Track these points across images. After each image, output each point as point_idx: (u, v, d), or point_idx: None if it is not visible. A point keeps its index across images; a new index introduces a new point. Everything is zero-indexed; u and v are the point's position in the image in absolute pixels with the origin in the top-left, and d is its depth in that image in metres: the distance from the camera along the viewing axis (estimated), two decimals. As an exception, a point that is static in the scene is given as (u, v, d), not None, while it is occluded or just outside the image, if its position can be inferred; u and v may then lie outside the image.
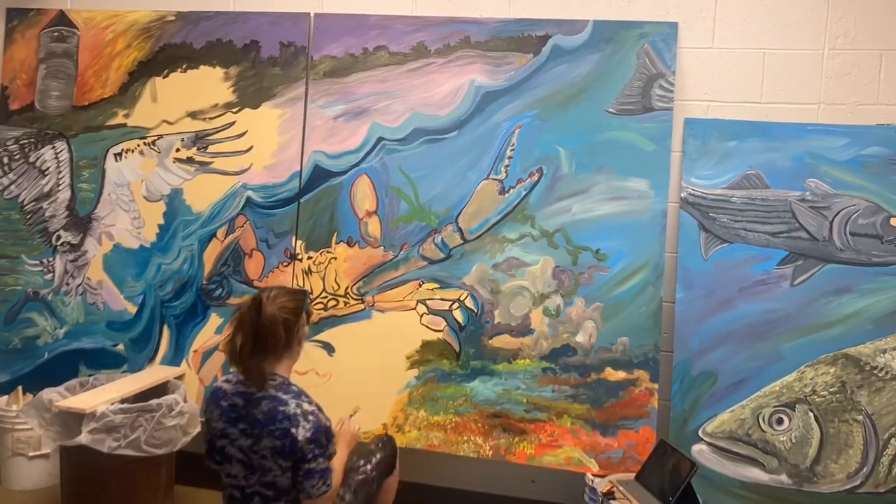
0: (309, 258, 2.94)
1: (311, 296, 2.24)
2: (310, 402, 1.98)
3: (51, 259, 3.15)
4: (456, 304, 2.81)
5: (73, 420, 2.51)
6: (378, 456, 2.36)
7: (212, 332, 3.00)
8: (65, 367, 3.08)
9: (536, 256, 2.76)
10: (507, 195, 2.80)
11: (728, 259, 2.63)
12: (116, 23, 3.18)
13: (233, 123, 3.04)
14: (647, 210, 2.69)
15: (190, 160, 3.07)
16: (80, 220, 3.15)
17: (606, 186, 2.73)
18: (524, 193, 2.79)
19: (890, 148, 2.59)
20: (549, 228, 2.76)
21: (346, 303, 2.89)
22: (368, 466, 2.31)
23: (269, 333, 1.93)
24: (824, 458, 2.51)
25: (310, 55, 2.99)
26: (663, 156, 2.70)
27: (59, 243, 3.16)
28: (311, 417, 1.93)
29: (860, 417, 2.50)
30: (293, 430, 1.90)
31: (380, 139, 2.90)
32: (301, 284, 2.93)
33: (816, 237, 2.60)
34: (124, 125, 3.14)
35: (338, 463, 2.09)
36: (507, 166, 2.81)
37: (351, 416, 2.48)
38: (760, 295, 2.60)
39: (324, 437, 1.95)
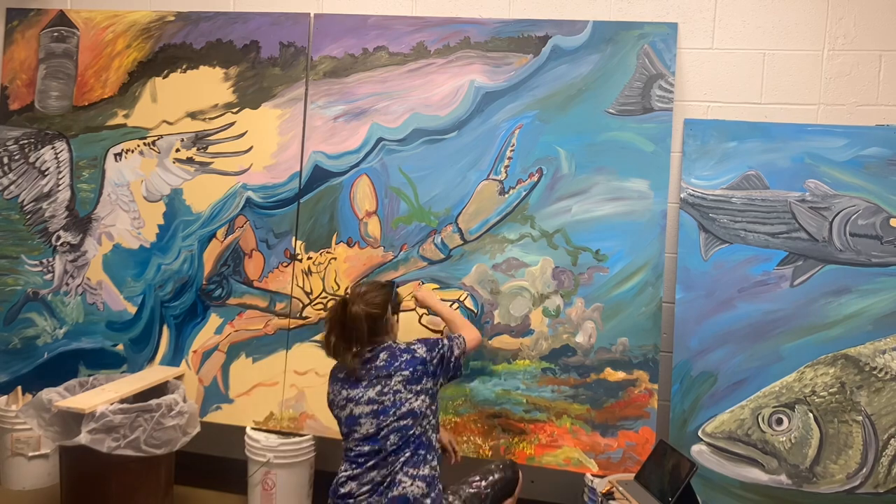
0: (309, 258, 2.94)
1: (397, 286, 2.45)
2: (419, 340, 2.30)
3: (50, 259, 3.15)
4: (456, 305, 2.80)
5: (73, 420, 2.51)
6: (496, 476, 2.38)
7: (211, 332, 3.00)
8: (64, 367, 3.08)
9: (536, 257, 2.76)
10: (506, 196, 2.80)
11: (728, 260, 2.64)
12: (116, 23, 3.18)
13: (233, 124, 3.04)
14: (646, 210, 2.69)
15: (190, 160, 3.07)
16: (80, 221, 3.15)
17: (606, 187, 2.73)
18: (524, 194, 2.79)
19: (889, 148, 2.59)
20: (548, 229, 2.76)
21: (345, 303, 2.89)
22: (483, 483, 2.34)
23: (354, 328, 2.22)
24: (824, 459, 2.51)
25: (310, 55, 2.99)
26: (663, 156, 2.70)
27: (58, 243, 3.16)
28: (419, 342, 2.28)
29: (860, 418, 2.50)
30: (417, 355, 2.23)
31: (380, 139, 2.90)
32: (301, 285, 2.93)
33: (816, 238, 2.60)
34: (124, 125, 3.14)
35: (446, 312, 2.57)
36: (506, 167, 2.81)
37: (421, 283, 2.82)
38: (760, 295, 2.60)
39: (434, 340, 2.30)
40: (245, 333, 2.97)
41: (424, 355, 2.24)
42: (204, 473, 3.11)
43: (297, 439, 2.82)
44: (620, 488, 2.42)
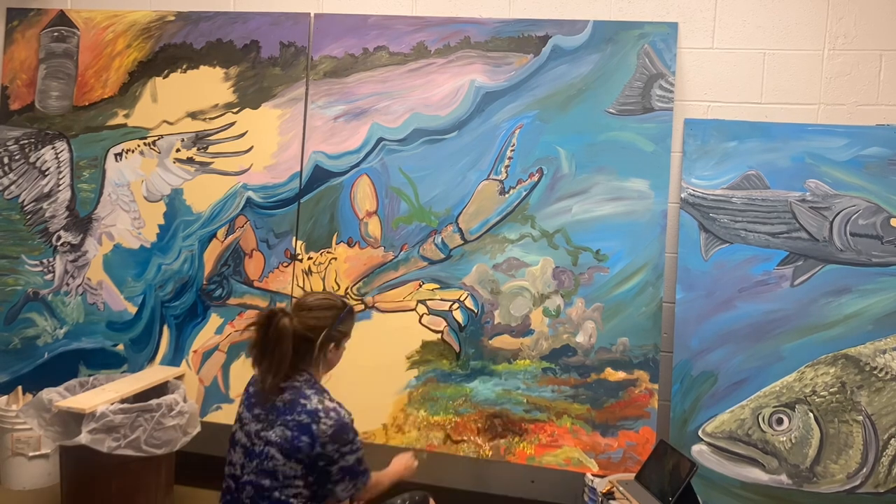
0: (309, 258, 2.94)
1: (353, 313, 2.06)
2: (331, 400, 1.89)
3: (51, 259, 3.15)
4: (456, 305, 2.81)
5: (73, 420, 2.51)
6: None
7: (212, 332, 3.00)
8: (65, 367, 3.08)
9: (536, 257, 2.76)
10: (507, 195, 2.80)
11: (728, 259, 2.63)
12: (116, 23, 3.18)
13: (233, 124, 3.04)
14: (647, 210, 2.69)
15: (190, 160, 3.07)
16: (81, 221, 3.15)
17: (606, 187, 2.73)
18: (524, 194, 2.79)
19: (890, 148, 2.59)
20: (549, 229, 2.76)
21: (346, 303, 2.89)
22: None
23: (277, 346, 1.83)
24: (824, 459, 2.51)
25: (310, 55, 2.99)
26: (663, 156, 2.70)
27: (59, 243, 3.16)
28: (332, 413, 1.83)
29: (860, 418, 2.50)
30: (313, 427, 1.80)
31: (380, 139, 2.90)
32: (301, 285, 2.93)
33: (816, 238, 2.60)
34: (124, 125, 3.14)
35: (382, 477, 2.07)
36: (507, 167, 2.81)
37: (416, 453, 2.34)
38: (760, 295, 2.60)
39: (349, 432, 1.85)
40: (245, 333, 2.97)
41: (321, 435, 1.80)
42: (204, 473, 3.10)
43: (298, 439, 2.82)
44: (621, 488, 2.42)
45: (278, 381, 1.85)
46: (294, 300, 1.95)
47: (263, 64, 3.03)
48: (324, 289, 2.91)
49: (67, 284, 3.14)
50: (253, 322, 1.91)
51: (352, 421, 1.87)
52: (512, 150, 2.80)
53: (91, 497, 2.59)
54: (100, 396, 2.61)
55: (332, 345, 1.95)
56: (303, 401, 1.84)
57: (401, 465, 2.21)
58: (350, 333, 2.04)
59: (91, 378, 2.90)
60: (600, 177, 2.74)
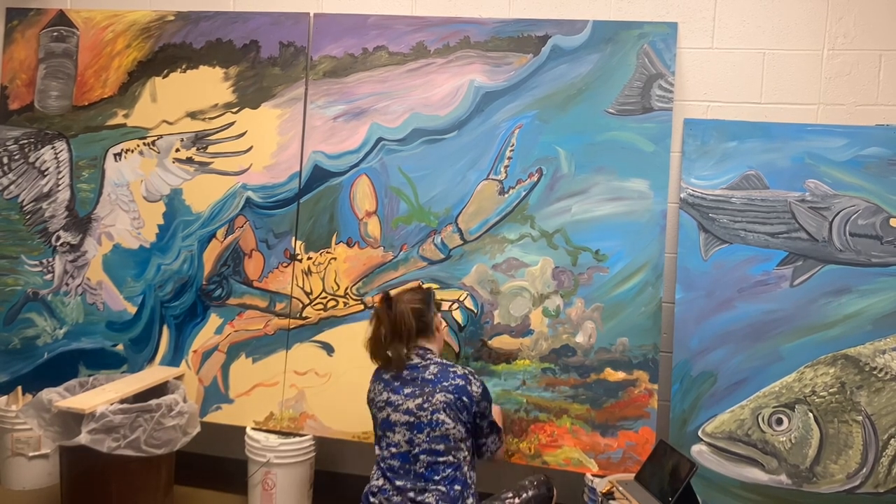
0: (309, 259, 2.94)
1: (434, 294, 2.44)
2: (469, 369, 2.28)
3: (50, 259, 3.15)
4: (455, 305, 2.81)
5: (73, 420, 2.51)
6: (529, 493, 2.34)
7: (211, 332, 3.00)
8: (64, 367, 3.08)
9: (536, 257, 2.76)
10: (506, 196, 2.80)
11: (728, 260, 2.63)
12: (116, 23, 3.18)
13: (232, 124, 3.04)
14: (646, 210, 2.69)
15: (189, 160, 3.07)
16: (80, 221, 3.15)
17: (606, 187, 2.73)
18: (524, 194, 2.79)
19: (889, 148, 2.59)
20: (548, 229, 2.76)
21: (345, 303, 2.89)
22: (517, 500, 2.31)
23: (402, 323, 2.22)
24: (824, 459, 2.51)
25: (309, 55, 2.99)
26: (663, 156, 2.70)
27: (58, 244, 3.16)
28: (475, 377, 2.23)
29: (860, 418, 2.50)
30: (468, 387, 2.18)
31: (379, 139, 2.90)
32: (301, 285, 2.93)
33: (816, 238, 2.60)
34: (124, 125, 3.14)
35: (500, 420, 2.46)
36: (506, 167, 2.81)
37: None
38: (760, 295, 2.60)
39: (489, 390, 2.27)
40: (245, 333, 2.98)
41: (475, 393, 2.19)
42: (204, 473, 3.11)
43: (297, 439, 2.82)
44: (620, 488, 2.42)
45: (410, 350, 2.23)
46: (387, 293, 2.34)
47: (263, 64, 3.03)
48: (323, 289, 2.91)
49: (67, 284, 3.14)
50: (375, 315, 2.29)
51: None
52: (511, 150, 2.80)
53: (91, 497, 2.59)
54: (100, 396, 2.61)
55: (439, 316, 2.39)
56: (451, 368, 2.22)
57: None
58: (441, 309, 2.52)
59: (91, 378, 2.90)
60: (600, 177, 2.74)
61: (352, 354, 2.87)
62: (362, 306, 2.88)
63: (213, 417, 2.95)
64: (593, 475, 2.60)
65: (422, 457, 2.12)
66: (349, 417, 2.84)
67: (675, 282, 2.66)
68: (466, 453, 2.18)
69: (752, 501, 2.53)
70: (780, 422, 2.55)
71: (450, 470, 2.13)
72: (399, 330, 2.22)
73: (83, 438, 2.44)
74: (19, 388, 3.08)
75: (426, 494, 2.10)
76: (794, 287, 2.59)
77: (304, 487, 2.85)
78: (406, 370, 2.22)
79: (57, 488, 2.82)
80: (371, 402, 2.29)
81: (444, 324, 2.45)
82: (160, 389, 2.83)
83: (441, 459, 2.12)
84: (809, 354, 2.55)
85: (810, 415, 2.53)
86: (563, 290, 2.74)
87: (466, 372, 2.23)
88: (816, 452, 2.51)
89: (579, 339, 2.71)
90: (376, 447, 2.26)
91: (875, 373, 2.51)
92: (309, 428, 2.87)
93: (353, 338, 2.87)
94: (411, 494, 2.11)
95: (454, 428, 2.13)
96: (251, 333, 2.97)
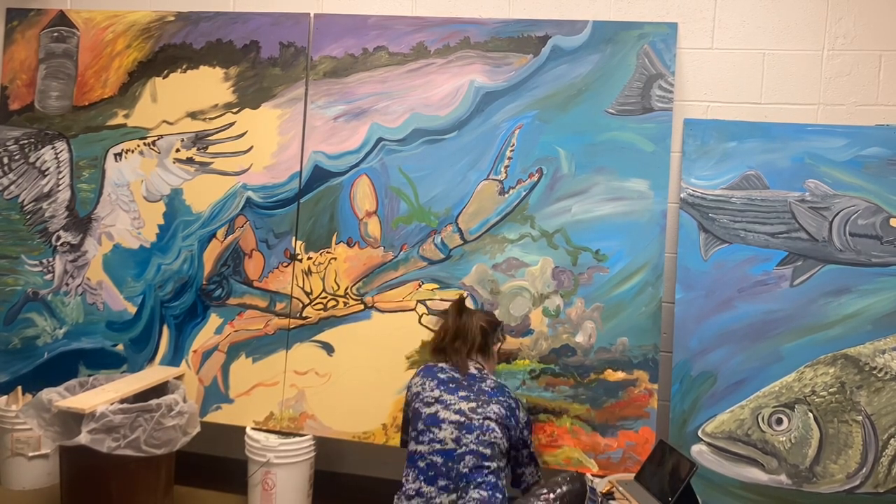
0: (309, 258, 2.94)
1: (503, 328, 2.63)
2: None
3: (50, 259, 3.15)
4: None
5: (73, 420, 2.51)
6: (564, 488, 2.31)
7: (211, 332, 3.00)
8: (64, 367, 3.08)
9: (536, 257, 2.77)
10: (506, 196, 2.80)
11: (728, 259, 2.64)
12: (116, 23, 3.18)
13: (233, 124, 3.04)
14: (646, 210, 2.69)
15: (190, 160, 3.07)
16: (80, 221, 3.15)
17: (606, 187, 2.73)
18: (524, 194, 2.79)
19: (889, 148, 2.59)
20: (548, 229, 2.76)
21: (345, 303, 2.89)
22: (552, 496, 2.27)
23: (467, 329, 2.35)
24: (824, 459, 2.51)
25: (310, 55, 2.99)
26: (663, 156, 2.70)
27: (58, 243, 3.16)
28: (523, 408, 2.32)
29: (859, 418, 2.50)
30: (518, 412, 2.26)
31: (380, 139, 2.91)
32: (301, 285, 2.93)
33: (816, 238, 2.60)
34: (124, 125, 3.14)
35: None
36: (506, 167, 2.81)
37: None
38: (760, 295, 2.60)
39: (530, 428, 2.36)
40: (245, 333, 2.98)
41: (520, 420, 2.27)
42: (204, 473, 3.11)
43: (297, 439, 2.82)
44: (620, 488, 2.42)
45: (469, 358, 2.33)
46: (462, 298, 2.52)
47: (263, 64, 3.03)
48: (323, 289, 2.91)
49: (67, 284, 3.14)
50: (448, 312, 2.43)
51: None
52: (511, 150, 2.81)
53: (91, 497, 2.59)
54: (99, 396, 2.61)
55: (499, 344, 2.49)
56: (506, 389, 2.30)
57: None
58: (504, 342, 2.60)
59: (91, 378, 2.90)
60: (600, 177, 2.74)
61: (352, 354, 2.88)
62: (362, 306, 2.88)
63: (213, 417, 2.95)
64: (593, 475, 2.60)
65: (467, 457, 2.13)
66: (349, 417, 2.84)
67: (675, 282, 2.66)
68: (505, 467, 2.24)
69: (752, 501, 2.53)
70: (779, 422, 2.55)
71: (492, 476, 2.15)
72: (465, 337, 2.36)
73: (83, 438, 2.44)
74: (19, 388, 3.08)
75: (470, 492, 2.10)
76: (794, 287, 2.59)
77: (304, 487, 2.85)
78: (461, 374, 2.31)
79: (57, 488, 2.81)
80: (415, 396, 2.30)
81: (498, 355, 2.55)
82: (160, 389, 2.83)
83: (486, 463, 2.14)
84: (809, 354, 2.55)
85: (810, 415, 2.53)
86: (563, 290, 2.74)
87: (517, 399, 2.32)
88: (816, 452, 2.51)
89: (579, 339, 2.71)
90: (412, 444, 2.23)
91: (875, 373, 2.51)
92: (309, 428, 2.87)
93: (354, 338, 2.87)
94: (453, 496, 2.11)
95: (501, 439, 2.19)
96: (251, 333, 2.97)
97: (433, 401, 2.23)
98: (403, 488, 2.19)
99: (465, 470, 2.12)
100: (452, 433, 2.16)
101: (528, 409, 2.70)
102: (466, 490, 2.10)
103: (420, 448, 2.19)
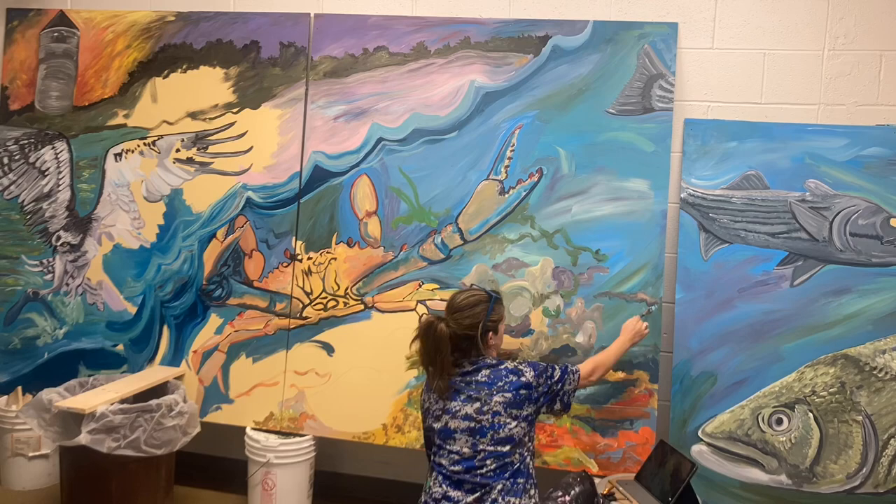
0: (309, 259, 2.94)
1: (500, 300, 2.28)
2: (521, 361, 2.24)
3: (51, 259, 3.15)
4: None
5: (73, 420, 2.51)
6: (577, 489, 2.33)
7: (211, 332, 3.00)
8: (64, 367, 3.08)
9: (536, 257, 2.76)
10: (506, 196, 2.80)
11: (728, 260, 2.63)
12: (116, 23, 3.18)
13: (233, 124, 3.04)
14: (646, 211, 2.69)
15: (190, 160, 3.07)
16: (80, 221, 3.15)
17: (606, 187, 2.73)
18: (524, 194, 2.79)
19: (890, 148, 2.59)
20: (548, 229, 2.76)
21: (345, 303, 2.89)
22: (567, 498, 2.29)
23: (436, 353, 2.13)
24: (824, 459, 2.51)
25: (310, 56, 2.99)
26: (663, 156, 2.70)
27: (58, 244, 3.16)
28: (523, 364, 2.19)
29: (860, 418, 2.50)
30: (522, 378, 2.14)
31: (380, 140, 2.90)
32: (301, 285, 2.93)
33: (816, 238, 2.60)
34: (124, 125, 3.14)
35: (614, 348, 2.43)
36: (507, 167, 2.81)
37: (643, 315, 2.63)
38: (760, 295, 2.60)
39: (538, 364, 2.21)
40: (245, 333, 2.98)
41: (531, 380, 2.15)
42: (204, 473, 3.11)
43: (297, 439, 2.82)
44: (621, 488, 2.42)
45: (445, 381, 2.14)
46: (446, 303, 2.23)
47: (263, 64, 3.03)
48: (323, 289, 2.91)
49: (67, 284, 3.14)
50: (416, 333, 2.18)
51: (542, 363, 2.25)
52: (512, 151, 2.80)
53: (91, 497, 2.59)
54: (100, 397, 2.61)
55: (490, 333, 2.22)
56: (500, 367, 2.17)
57: (630, 330, 2.48)
58: (504, 316, 2.31)
59: (91, 378, 2.90)
60: (600, 177, 2.74)
61: (352, 354, 2.88)
62: (362, 306, 2.88)
63: (213, 417, 2.95)
64: (593, 475, 2.60)
65: (488, 461, 2.10)
66: (349, 418, 2.84)
67: (676, 282, 2.66)
68: (531, 445, 2.19)
69: (752, 501, 2.53)
70: (780, 422, 2.55)
71: (516, 465, 2.12)
72: (435, 359, 2.14)
73: (83, 438, 2.44)
74: (19, 388, 3.08)
75: (493, 493, 2.08)
76: (794, 287, 2.59)
77: (304, 487, 2.85)
78: (458, 377, 2.16)
79: (57, 488, 2.82)
80: (427, 412, 2.23)
81: (502, 333, 2.31)
82: (160, 389, 2.83)
83: (507, 460, 2.11)
84: (809, 354, 2.55)
85: (810, 415, 2.53)
86: (563, 290, 2.74)
87: (515, 365, 2.18)
88: (816, 452, 2.51)
89: (579, 339, 2.71)
90: (434, 457, 2.20)
91: (875, 373, 2.51)
92: (309, 428, 2.87)
93: (354, 338, 2.87)
94: (478, 494, 2.08)
95: (516, 426, 2.12)
96: (251, 333, 2.97)
97: (441, 412, 2.16)
98: (430, 492, 2.17)
99: (489, 473, 2.09)
100: (467, 441, 2.11)
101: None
102: (491, 496, 2.08)
103: (442, 461, 2.16)
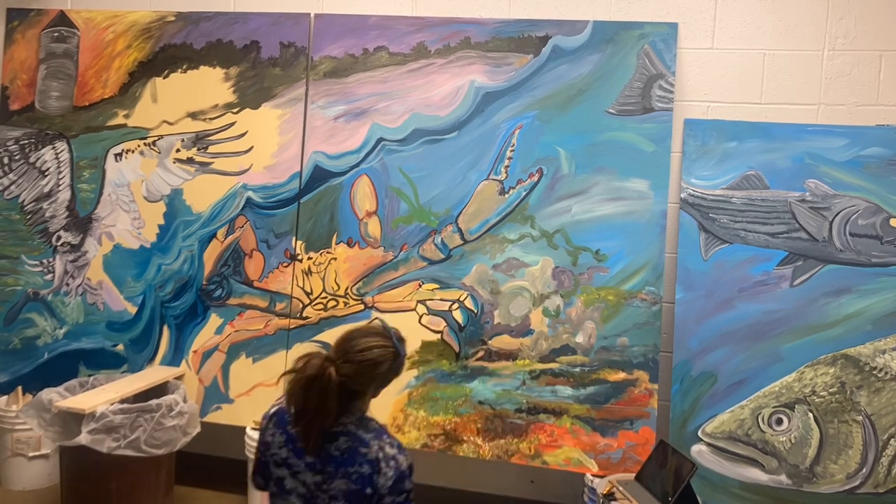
0: (309, 259, 2.94)
1: (405, 356, 1.80)
2: (391, 444, 1.70)
3: (51, 259, 3.15)
4: (456, 305, 2.81)
5: (73, 420, 2.51)
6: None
7: (212, 332, 3.00)
8: (65, 367, 3.08)
9: (536, 257, 2.76)
10: (506, 196, 2.80)
11: (728, 260, 2.63)
12: (117, 23, 3.18)
13: (233, 124, 3.04)
14: (646, 211, 2.69)
15: (190, 160, 3.07)
16: (81, 221, 3.15)
17: (606, 187, 2.73)
18: (524, 194, 2.79)
19: (889, 148, 2.59)
20: (548, 229, 2.76)
21: (345, 303, 2.89)
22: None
23: (318, 407, 1.65)
24: (824, 459, 2.51)
25: (310, 56, 2.99)
26: (663, 156, 2.70)
27: (59, 244, 3.16)
28: (392, 462, 1.67)
29: (859, 418, 2.50)
30: (375, 477, 1.65)
31: (380, 140, 2.91)
32: (301, 285, 2.93)
33: (816, 238, 2.60)
34: (124, 125, 3.14)
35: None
36: (507, 167, 2.81)
37: None
38: (760, 295, 2.60)
39: (406, 482, 1.69)
40: (245, 333, 2.98)
41: (382, 485, 1.65)
42: (204, 473, 3.11)
43: (298, 439, 2.82)
44: (621, 488, 2.42)
45: (320, 443, 1.68)
46: (338, 339, 1.72)
47: (263, 64, 3.03)
48: (323, 289, 2.90)
49: (67, 284, 3.14)
50: (292, 370, 1.70)
51: (410, 466, 1.71)
52: (512, 151, 2.81)
53: (91, 497, 2.59)
54: (100, 396, 2.61)
55: (375, 387, 1.76)
56: (362, 449, 1.68)
57: None
58: (401, 371, 1.81)
59: (91, 378, 2.90)
60: (600, 177, 2.74)
61: (352, 354, 2.87)
62: (363, 306, 2.88)
63: (213, 417, 2.95)
64: (593, 475, 2.60)
65: None
66: (349, 417, 2.84)
67: (676, 282, 2.66)
68: None
69: (752, 501, 2.53)
70: (780, 422, 2.55)
71: None
72: (314, 413, 1.66)
73: (83, 438, 2.44)
74: (19, 388, 3.08)
75: None
76: (794, 287, 2.59)
77: (305, 487, 2.84)
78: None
79: (57, 488, 2.82)
80: (266, 446, 1.78)
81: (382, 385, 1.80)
82: (160, 389, 2.83)
83: None
84: (809, 354, 2.55)
85: (810, 415, 2.53)
86: (563, 290, 2.74)
87: (381, 457, 1.67)
88: (816, 452, 2.51)
89: (579, 339, 2.71)
90: (272, 498, 1.78)
91: (875, 373, 2.51)
92: (309, 428, 2.86)
93: (354, 338, 2.87)
94: None
95: None
96: (251, 333, 2.97)
97: (281, 462, 1.74)
98: None
99: None
100: None
101: (530, 409, 2.70)
102: None
103: None
